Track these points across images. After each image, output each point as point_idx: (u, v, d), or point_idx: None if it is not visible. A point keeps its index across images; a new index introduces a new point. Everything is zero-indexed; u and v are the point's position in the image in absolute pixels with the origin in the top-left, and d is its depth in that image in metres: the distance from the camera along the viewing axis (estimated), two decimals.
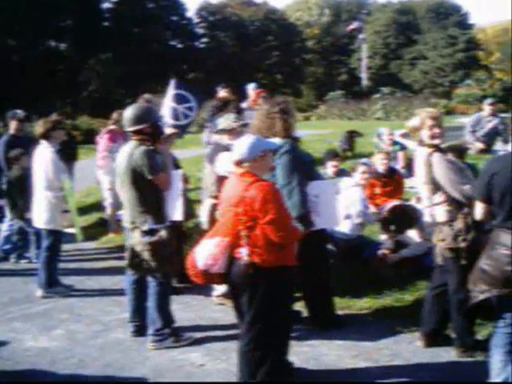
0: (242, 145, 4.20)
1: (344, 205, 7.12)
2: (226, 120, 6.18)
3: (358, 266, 6.80)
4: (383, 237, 7.07)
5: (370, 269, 6.66)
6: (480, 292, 4.22)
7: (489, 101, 12.55)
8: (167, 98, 8.07)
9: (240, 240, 4.10)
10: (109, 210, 9.17)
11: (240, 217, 4.07)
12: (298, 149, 5.45)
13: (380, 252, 6.82)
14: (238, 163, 4.19)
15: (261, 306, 4.14)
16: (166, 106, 7.77)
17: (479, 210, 4.38)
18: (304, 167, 5.34)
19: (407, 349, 5.12)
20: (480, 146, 11.67)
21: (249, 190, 4.07)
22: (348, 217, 7.13)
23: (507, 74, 62.57)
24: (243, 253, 4.08)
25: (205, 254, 4.12)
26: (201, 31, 62.77)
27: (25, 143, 7.95)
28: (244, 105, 10.35)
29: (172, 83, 10.48)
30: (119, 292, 6.35)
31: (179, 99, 11.20)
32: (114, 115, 9.04)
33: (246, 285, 4.13)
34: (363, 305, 6.01)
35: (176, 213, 5.86)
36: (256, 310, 4.15)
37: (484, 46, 64.49)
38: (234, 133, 6.01)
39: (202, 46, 61.95)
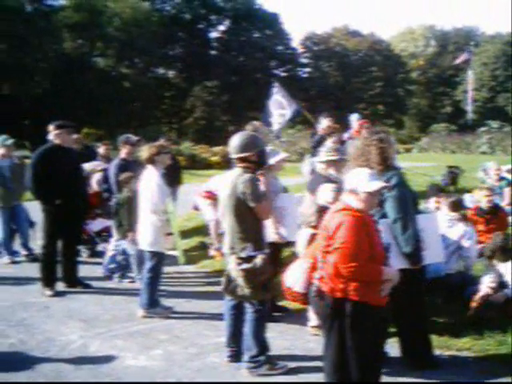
0: (362, 176, 4.21)
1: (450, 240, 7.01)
2: (328, 151, 6.20)
3: (459, 304, 6.58)
4: (486, 277, 6.82)
5: (472, 308, 6.42)
6: None
7: None
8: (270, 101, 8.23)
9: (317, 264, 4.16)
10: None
11: (322, 242, 4.11)
12: (405, 181, 5.38)
13: (483, 291, 6.57)
14: (353, 192, 4.17)
15: (334, 336, 4.14)
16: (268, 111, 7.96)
17: None
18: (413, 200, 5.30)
19: None
20: None
21: (337, 216, 4.09)
22: (452, 252, 6.99)
23: None
24: (315, 277, 4.13)
25: (292, 274, 4.25)
26: (305, 61, 63.40)
27: (134, 167, 8.27)
28: (346, 135, 10.36)
29: (275, 88, 10.61)
30: (216, 316, 6.46)
31: (276, 105, 11.36)
32: None
33: (319, 311, 4.17)
34: (463, 345, 5.79)
35: None
36: (334, 341, 4.15)
37: None
38: (336, 164, 6.05)
39: (305, 75, 62.49)
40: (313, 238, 5.57)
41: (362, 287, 4.08)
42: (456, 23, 77.99)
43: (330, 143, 7.11)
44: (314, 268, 4.16)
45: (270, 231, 6.33)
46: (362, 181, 4.15)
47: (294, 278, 4.20)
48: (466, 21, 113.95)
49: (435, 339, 5.69)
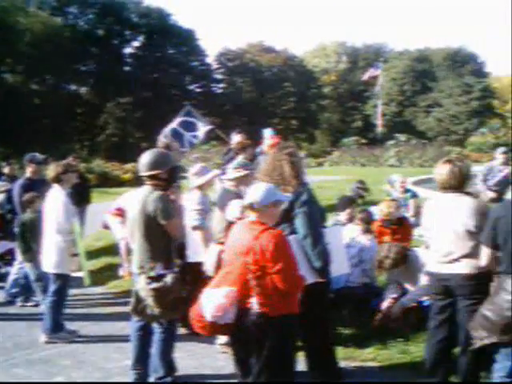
0: (257, 190, 4.26)
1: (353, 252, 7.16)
2: (236, 167, 6.23)
3: (364, 316, 6.72)
4: (389, 287, 6.98)
5: (376, 319, 6.56)
6: (480, 339, 4.20)
7: (501, 150, 12.46)
8: (175, 122, 8.18)
9: (249, 289, 4.07)
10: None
11: (249, 266, 4.06)
12: (315, 197, 5.44)
13: (386, 302, 6.70)
14: (249, 207, 4.22)
15: (270, 355, 4.10)
16: (170, 128, 7.88)
17: (485, 255, 4.37)
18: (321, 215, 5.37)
19: None
20: (491, 194, 11.60)
21: (259, 238, 4.08)
22: (355, 264, 7.14)
23: None
24: (253, 303, 4.07)
25: (213, 304, 4.06)
26: (219, 76, 63.71)
27: (40, 186, 8.02)
28: (259, 150, 10.42)
29: (185, 109, 10.58)
30: (124, 338, 6.29)
31: (187, 126, 11.35)
32: None
33: (256, 335, 4.10)
34: (367, 356, 5.91)
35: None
36: (266, 360, 4.11)
37: (499, 95, 64.73)
38: (245, 180, 6.09)
39: (220, 91, 62.80)
40: (221, 254, 5.56)
41: (296, 299, 4.24)
42: (366, 40, 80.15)
43: (239, 159, 7.13)
44: (243, 295, 4.12)
45: (194, 251, 6.31)
46: (260, 195, 4.20)
47: (210, 306, 4.10)
48: (376, 37, 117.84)
49: (341, 351, 5.77)
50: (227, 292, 4.06)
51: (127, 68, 56.29)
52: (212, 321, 4.09)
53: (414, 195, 11.03)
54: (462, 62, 64.15)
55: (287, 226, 4.95)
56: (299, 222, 4.95)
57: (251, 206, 4.22)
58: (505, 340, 4.14)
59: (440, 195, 5.10)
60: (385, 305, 6.60)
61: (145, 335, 5.46)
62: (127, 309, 5.58)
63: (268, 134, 10.63)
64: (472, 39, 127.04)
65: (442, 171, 4.94)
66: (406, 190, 11.08)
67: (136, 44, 57.81)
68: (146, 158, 5.34)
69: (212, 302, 4.07)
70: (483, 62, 67.01)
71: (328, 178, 19.94)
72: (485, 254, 4.39)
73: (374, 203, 10.21)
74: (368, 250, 7.31)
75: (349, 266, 6.19)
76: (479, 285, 4.55)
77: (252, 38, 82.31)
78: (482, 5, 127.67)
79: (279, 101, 60.60)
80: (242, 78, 61.53)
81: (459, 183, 4.89)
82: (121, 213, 8.56)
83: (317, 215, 5.13)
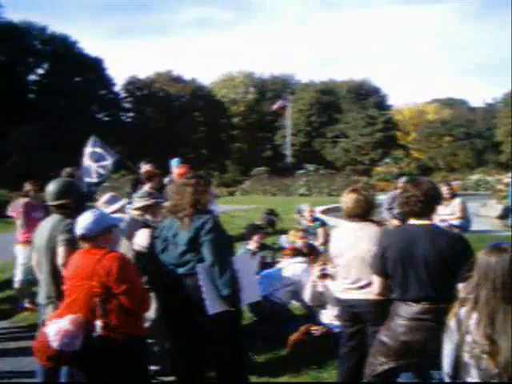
0: (85, 220, 4.28)
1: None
2: (141, 196, 6.21)
3: (280, 342, 6.71)
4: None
5: (290, 345, 6.60)
6: (379, 364, 4.30)
7: (403, 179, 12.99)
8: (86, 154, 8.08)
9: (95, 314, 4.05)
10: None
11: (95, 289, 4.06)
12: (221, 225, 5.45)
13: (302, 328, 6.77)
14: (82, 239, 4.26)
15: (119, 379, 4.12)
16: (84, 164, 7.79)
17: (376, 284, 4.49)
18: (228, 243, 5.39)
19: None
20: (396, 222, 12.02)
21: (102, 261, 4.10)
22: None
23: (423, 154, 65.87)
24: (98, 326, 4.04)
25: (59, 332, 3.96)
26: (128, 105, 63.18)
27: None
28: (167, 179, 10.40)
29: (90, 140, 10.48)
30: (30, 374, 6.04)
31: (95, 157, 11.21)
32: (27, 186, 8.91)
33: (102, 359, 4.07)
34: None
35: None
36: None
37: (401, 127, 67.55)
38: (151, 209, 6.07)
39: (128, 120, 62.24)
40: None
41: (142, 321, 4.38)
42: (273, 71, 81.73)
43: (145, 188, 7.10)
44: (89, 321, 4.04)
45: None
46: (89, 224, 4.26)
47: (56, 334, 3.98)
48: (283, 69, 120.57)
49: (255, 380, 5.74)
50: (73, 318, 4.01)
51: (32, 95, 54.85)
52: (58, 349, 3.97)
53: (323, 224, 11.27)
54: (366, 95, 66.68)
55: (193, 255, 4.96)
56: (206, 250, 4.94)
57: (83, 237, 4.26)
58: (403, 364, 4.26)
59: (346, 223, 5.25)
60: (302, 329, 6.66)
61: (52, 370, 5.26)
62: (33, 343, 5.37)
63: (175, 163, 10.67)
64: (374, 73, 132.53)
65: (347, 200, 5.07)
66: (315, 219, 11.32)
67: (40, 71, 56.57)
68: (52, 187, 5.26)
69: (58, 329, 3.98)
70: (385, 95, 69.92)
71: (239, 208, 20.05)
72: (376, 282, 4.52)
73: (285, 232, 10.35)
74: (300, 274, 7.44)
75: (259, 293, 6.21)
76: (386, 311, 4.67)
77: (160, 67, 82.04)
78: (382, 40, 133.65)
79: (189, 130, 60.66)
80: (150, 107, 61.27)
81: (364, 212, 5.04)
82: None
83: (224, 243, 5.15)
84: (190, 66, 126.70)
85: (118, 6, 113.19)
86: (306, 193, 32.93)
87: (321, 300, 7.05)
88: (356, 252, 4.93)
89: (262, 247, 8.99)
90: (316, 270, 7.09)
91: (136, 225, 6.07)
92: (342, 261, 5.09)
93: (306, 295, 7.16)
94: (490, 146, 68.92)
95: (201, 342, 5.08)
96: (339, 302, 5.29)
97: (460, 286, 3.88)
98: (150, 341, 5.27)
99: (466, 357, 3.08)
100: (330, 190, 32.03)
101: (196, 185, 5.19)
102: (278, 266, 7.99)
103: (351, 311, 5.05)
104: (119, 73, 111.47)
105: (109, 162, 11.28)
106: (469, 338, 3.07)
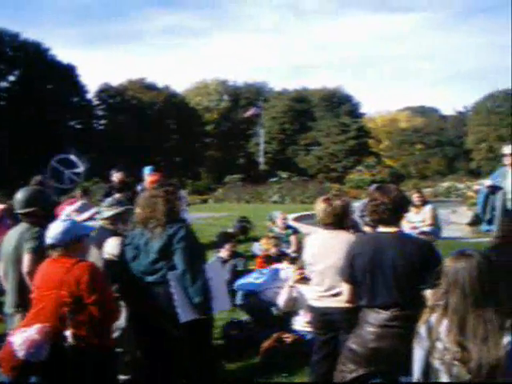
0: (55, 229, 4.26)
1: None
2: (110, 205, 6.18)
3: (253, 351, 6.69)
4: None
5: (262, 352, 6.59)
6: (349, 372, 4.33)
7: (373, 186, 13.08)
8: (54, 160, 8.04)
9: (63, 324, 4.03)
10: None
11: (64, 299, 4.04)
12: (193, 233, 5.44)
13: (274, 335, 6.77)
14: (52, 247, 4.24)
15: None
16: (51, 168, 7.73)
17: (346, 291, 4.52)
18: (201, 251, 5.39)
19: None
20: (368, 229, 12.08)
21: (71, 270, 4.08)
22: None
23: (395, 161, 66.54)
24: (68, 336, 4.00)
25: (25, 341, 3.92)
26: (100, 113, 62.76)
27: None
28: (139, 187, 10.37)
29: (62, 154, 10.45)
30: None
31: (67, 163, 11.22)
32: None
33: (71, 369, 4.03)
34: None
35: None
36: None
37: (374, 134, 68.10)
38: (121, 217, 6.05)
39: (101, 127, 61.83)
40: None
41: (111, 331, 4.41)
42: (247, 79, 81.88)
43: (113, 197, 7.08)
44: (57, 330, 4.01)
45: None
46: (58, 233, 4.24)
47: (22, 343, 3.94)
48: (257, 77, 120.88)
49: None
50: (40, 328, 3.98)
51: (2, 103, 54.19)
52: (24, 359, 3.93)
53: (295, 231, 11.30)
54: (339, 103, 67.13)
55: (165, 263, 4.94)
56: (178, 258, 4.94)
57: (53, 246, 4.24)
58: (372, 371, 4.28)
59: (320, 231, 5.28)
60: (274, 336, 6.66)
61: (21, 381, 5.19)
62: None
63: (147, 171, 10.65)
64: (347, 81, 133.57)
65: (319, 209, 5.12)
66: (287, 226, 11.34)
67: (12, 78, 55.91)
68: (20, 195, 5.25)
69: (24, 338, 3.93)
70: (358, 103, 70.46)
71: (212, 215, 20.01)
72: (346, 289, 4.54)
73: (257, 239, 10.37)
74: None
75: (230, 302, 6.20)
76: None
77: (133, 74, 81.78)
78: (354, 48, 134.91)
79: (162, 138, 60.43)
80: (123, 114, 60.92)
81: (336, 220, 5.07)
82: None
83: (196, 251, 5.15)
84: (163, 74, 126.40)
85: (90, 13, 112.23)
86: (279, 200, 32.94)
87: (295, 306, 7.08)
88: (330, 261, 4.94)
89: (234, 255, 8.99)
90: (294, 274, 7.11)
91: (105, 233, 6.03)
92: (317, 268, 5.11)
93: (281, 300, 7.17)
94: (460, 154, 69.91)
95: (171, 350, 5.05)
96: (313, 310, 5.31)
97: (428, 292, 3.92)
98: (119, 350, 5.22)
99: (437, 363, 3.10)
100: (303, 197, 32.08)
101: (166, 194, 5.19)
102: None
103: (324, 319, 5.05)
104: (92, 80, 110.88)
105: (81, 169, 11.27)
106: (439, 345, 3.10)
